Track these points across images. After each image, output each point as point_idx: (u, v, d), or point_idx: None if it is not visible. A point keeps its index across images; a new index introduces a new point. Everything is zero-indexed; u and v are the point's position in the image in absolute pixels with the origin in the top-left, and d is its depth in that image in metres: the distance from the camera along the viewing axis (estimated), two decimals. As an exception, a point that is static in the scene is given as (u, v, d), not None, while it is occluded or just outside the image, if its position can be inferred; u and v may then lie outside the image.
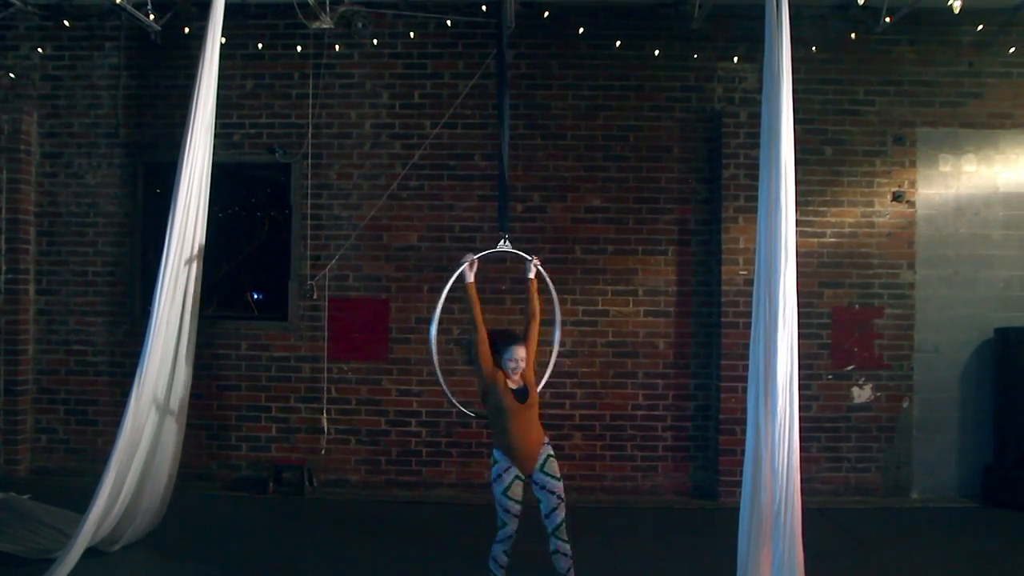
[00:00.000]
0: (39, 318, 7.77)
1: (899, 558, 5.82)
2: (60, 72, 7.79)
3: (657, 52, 7.52)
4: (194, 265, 5.73)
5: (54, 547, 5.23)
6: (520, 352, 4.60)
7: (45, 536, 5.53)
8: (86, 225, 7.76)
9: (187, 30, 7.55)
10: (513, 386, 4.60)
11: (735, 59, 7.55)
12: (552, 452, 4.70)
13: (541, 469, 4.61)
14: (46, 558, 5.10)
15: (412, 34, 7.59)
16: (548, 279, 5.17)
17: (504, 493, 4.53)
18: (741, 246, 7.28)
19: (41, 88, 7.80)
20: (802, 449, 4.55)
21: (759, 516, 4.50)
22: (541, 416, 4.84)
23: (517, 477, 4.56)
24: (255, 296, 8.04)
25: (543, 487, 4.59)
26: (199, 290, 5.86)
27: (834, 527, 6.49)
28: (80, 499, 5.27)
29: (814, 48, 7.39)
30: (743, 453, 4.64)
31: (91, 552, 5.14)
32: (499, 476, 4.56)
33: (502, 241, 5.23)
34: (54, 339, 7.75)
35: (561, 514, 4.58)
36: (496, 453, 4.62)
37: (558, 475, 4.64)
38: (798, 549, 4.39)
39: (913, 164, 7.51)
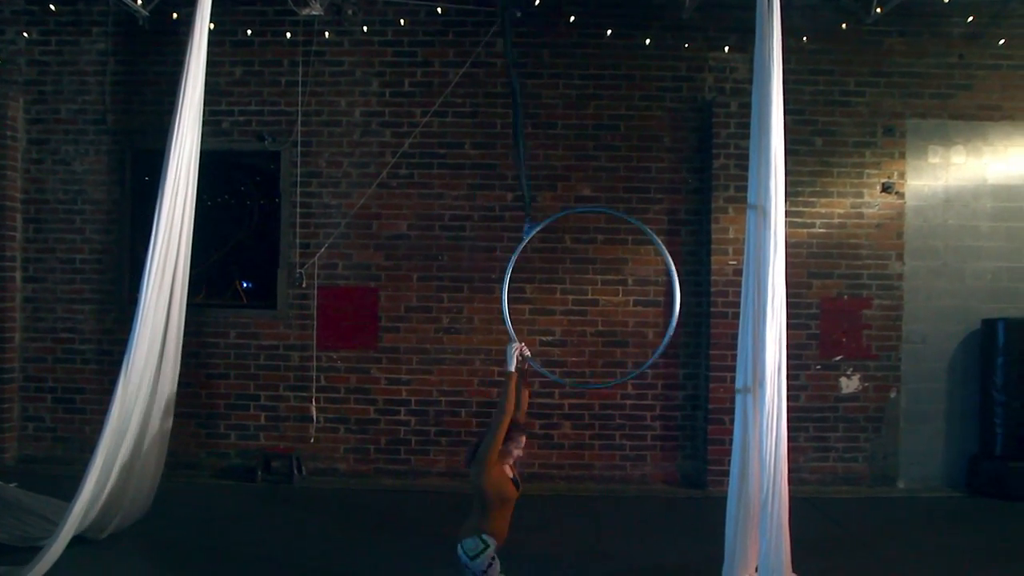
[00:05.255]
0: (26, 306, 7.71)
1: (885, 547, 5.86)
2: (46, 57, 7.71)
3: (648, 41, 7.50)
4: (182, 253, 5.70)
5: (41, 535, 5.21)
6: (524, 440, 4.46)
7: (32, 524, 5.51)
8: (73, 212, 7.69)
9: (175, 16, 7.47)
10: (511, 474, 4.42)
11: (726, 49, 7.54)
12: None
13: None
14: (33, 546, 5.08)
15: (402, 21, 7.54)
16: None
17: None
18: (731, 236, 7.29)
19: (27, 73, 7.71)
20: (790, 439, 4.59)
21: (747, 505, 4.53)
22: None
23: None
24: (244, 284, 8.02)
25: None
26: (187, 278, 5.83)
27: (821, 516, 6.53)
28: (67, 487, 5.25)
29: (805, 39, 7.39)
30: (731, 442, 4.67)
31: (78, 540, 5.13)
32: (492, 561, 4.23)
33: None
34: (41, 327, 7.70)
35: None
36: (487, 538, 4.24)
37: None
38: (785, 538, 4.43)
39: (902, 155, 7.52)
